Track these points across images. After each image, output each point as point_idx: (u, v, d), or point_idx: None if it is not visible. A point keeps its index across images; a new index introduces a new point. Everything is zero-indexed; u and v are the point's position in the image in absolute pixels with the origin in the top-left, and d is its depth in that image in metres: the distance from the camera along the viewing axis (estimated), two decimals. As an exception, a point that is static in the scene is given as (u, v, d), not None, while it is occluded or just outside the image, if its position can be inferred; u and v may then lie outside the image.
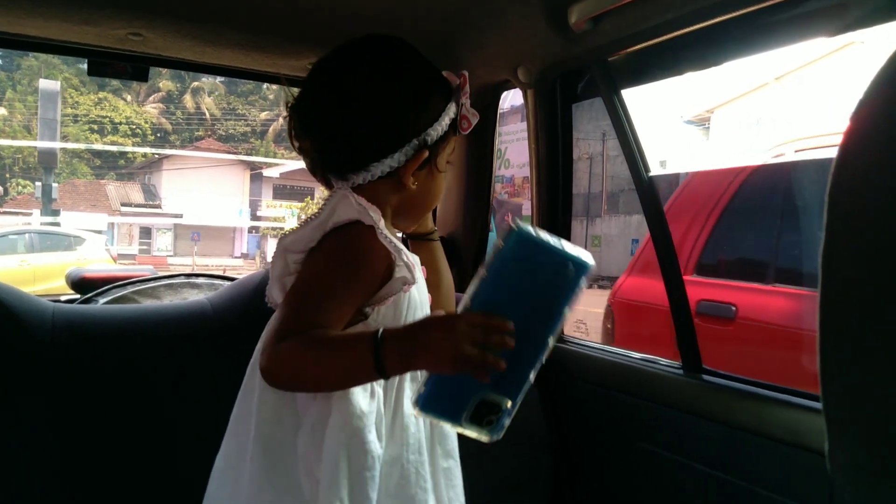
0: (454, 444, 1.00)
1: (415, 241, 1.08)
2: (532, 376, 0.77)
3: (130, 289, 1.87)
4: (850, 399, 0.46)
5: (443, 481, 0.97)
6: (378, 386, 0.90)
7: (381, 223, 0.88)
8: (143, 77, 1.65)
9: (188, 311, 1.48)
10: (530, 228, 0.72)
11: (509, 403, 0.77)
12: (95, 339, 1.33)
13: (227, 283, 1.75)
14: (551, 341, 0.76)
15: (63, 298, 1.93)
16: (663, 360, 1.48)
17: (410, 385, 0.93)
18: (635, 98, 1.64)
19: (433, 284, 1.03)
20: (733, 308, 2.93)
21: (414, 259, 0.93)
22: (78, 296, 1.96)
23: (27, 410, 1.21)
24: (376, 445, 0.86)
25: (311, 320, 0.82)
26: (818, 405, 0.48)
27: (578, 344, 1.72)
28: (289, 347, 0.80)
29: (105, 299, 1.81)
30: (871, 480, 0.46)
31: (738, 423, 1.24)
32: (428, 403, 0.75)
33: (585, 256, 0.74)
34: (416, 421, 0.93)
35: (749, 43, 1.29)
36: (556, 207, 1.72)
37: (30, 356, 1.24)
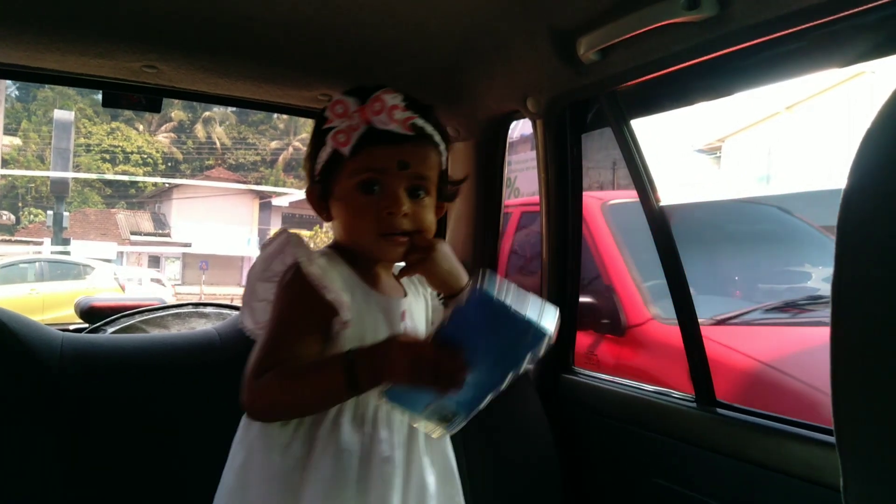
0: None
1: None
2: (487, 400, 0.83)
3: (138, 318, 1.87)
4: (865, 434, 0.45)
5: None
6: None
7: (316, 264, 0.94)
8: (156, 108, 1.67)
9: (196, 340, 1.47)
10: (494, 291, 0.76)
11: (461, 417, 0.84)
12: (104, 369, 1.32)
13: (235, 313, 1.75)
14: (511, 378, 0.81)
15: (72, 327, 1.93)
16: (676, 393, 1.46)
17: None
18: (646, 127, 1.64)
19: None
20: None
21: (347, 299, 0.95)
22: (86, 325, 1.97)
23: (35, 439, 1.20)
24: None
25: (282, 355, 0.91)
26: (831, 439, 0.47)
27: (589, 375, 1.70)
28: (265, 381, 0.89)
29: (113, 328, 1.81)
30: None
31: (753, 458, 1.21)
32: (393, 395, 0.84)
33: (548, 320, 0.77)
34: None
35: (759, 74, 1.29)
36: (566, 237, 1.71)
37: (38, 385, 1.24)
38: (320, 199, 1.04)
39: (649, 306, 2.64)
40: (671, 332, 2.30)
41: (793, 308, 2.66)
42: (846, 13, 0.98)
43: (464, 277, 1.06)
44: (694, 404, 1.38)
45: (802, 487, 1.11)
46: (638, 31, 1.20)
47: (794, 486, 1.12)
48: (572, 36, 1.34)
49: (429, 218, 1.03)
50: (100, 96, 1.65)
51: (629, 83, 1.40)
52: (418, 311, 1.10)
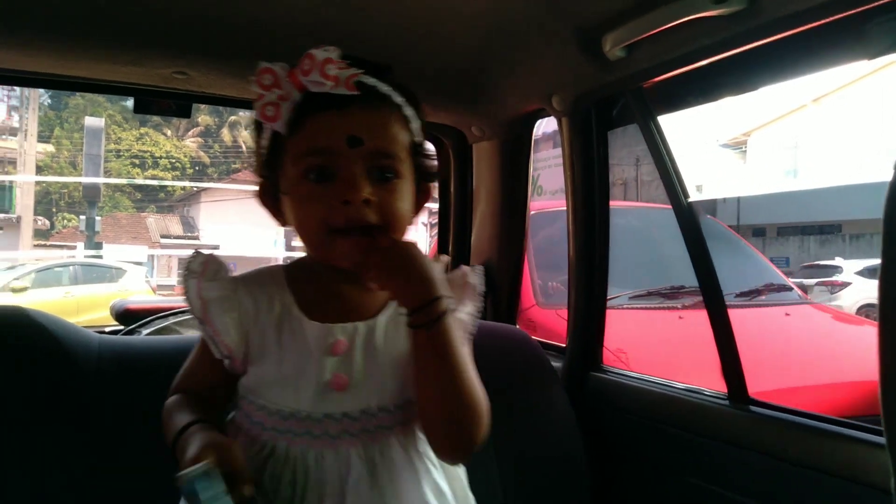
0: None
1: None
2: None
3: (172, 319, 1.91)
4: None
5: None
6: None
7: (206, 297, 0.85)
8: (186, 114, 1.70)
9: (228, 341, 1.50)
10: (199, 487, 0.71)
11: None
12: (140, 370, 1.35)
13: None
14: None
15: (107, 329, 1.98)
16: (708, 391, 1.44)
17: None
18: (670, 123, 1.63)
19: (418, 371, 0.84)
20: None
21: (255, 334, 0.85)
22: (122, 327, 2.01)
23: (73, 439, 1.23)
24: None
25: (183, 383, 0.93)
26: (876, 439, 0.46)
27: (617, 373, 1.69)
28: (166, 404, 0.92)
29: (148, 330, 1.85)
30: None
31: (790, 457, 1.19)
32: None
33: None
34: None
35: (787, 67, 1.27)
36: (594, 236, 1.70)
37: (76, 386, 1.27)
38: (273, 199, 0.88)
39: (536, 296, 3.16)
40: (546, 313, 2.97)
41: (656, 295, 3.17)
42: (876, 4, 0.96)
43: (428, 287, 0.80)
44: (727, 402, 1.36)
45: (844, 486, 1.08)
46: (664, 27, 1.19)
47: (835, 484, 1.10)
48: (597, 33, 1.33)
49: (400, 206, 0.83)
50: (130, 103, 1.69)
51: (655, 79, 1.39)
52: (386, 339, 0.87)
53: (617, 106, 1.63)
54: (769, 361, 2.52)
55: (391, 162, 0.83)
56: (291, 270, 0.91)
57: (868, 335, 3.36)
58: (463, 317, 0.95)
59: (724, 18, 1.12)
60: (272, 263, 1.03)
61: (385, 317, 0.89)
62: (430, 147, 0.93)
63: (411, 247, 0.83)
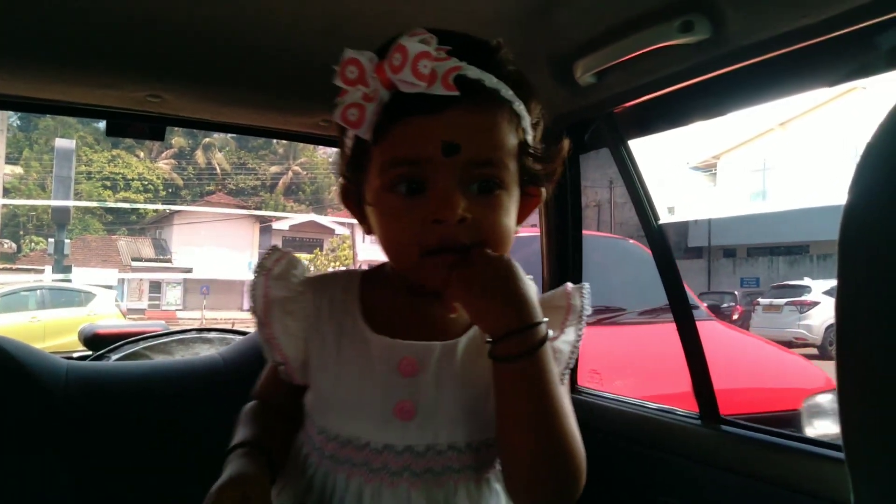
0: None
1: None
2: None
3: (143, 344, 1.88)
4: (874, 448, 0.46)
5: None
6: None
7: (266, 271, 0.78)
8: (159, 136, 1.69)
9: (201, 366, 1.48)
10: None
11: None
12: (109, 396, 1.33)
13: (239, 338, 1.76)
14: None
15: (76, 355, 1.94)
16: (680, 411, 1.46)
17: None
18: (642, 146, 1.66)
19: (501, 413, 0.70)
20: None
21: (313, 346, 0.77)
22: (90, 352, 1.97)
23: (42, 466, 1.20)
24: None
25: (262, 392, 0.87)
26: (840, 455, 0.47)
27: (593, 395, 1.70)
28: (244, 409, 0.85)
29: (117, 355, 1.82)
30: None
31: (759, 475, 1.21)
32: None
33: None
34: None
35: (754, 93, 1.31)
36: (567, 255, 1.72)
37: (44, 413, 1.25)
38: (358, 202, 0.77)
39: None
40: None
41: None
42: (837, 33, 1.00)
43: (522, 310, 0.68)
44: (698, 421, 1.38)
45: (810, 502, 1.10)
46: (633, 55, 1.22)
47: (801, 501, 1.12)
48: (569, 59, 1.37)
49: (502, 222, 0.71)
50: (102, 125, 1.67)
51: (625, 105, 1.42)
52: (464, 367, 0.75)
53: (589, 130, 1.66)
54: (664, 371, 2.63)
55: (493, 171, 0.70)
56: (370, 278, 0.81)
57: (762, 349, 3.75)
58: (561, 347, 0.79)
59: (690, 47, 1.16)
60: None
61: (467, 339, 0.76)
62: (543, 147, 0.77)
63: (504, 262, 0.70)
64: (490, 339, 0.68)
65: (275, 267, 0.79)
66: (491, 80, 0.69)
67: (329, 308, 0.77)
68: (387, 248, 0.74)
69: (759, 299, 13.24)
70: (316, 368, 0.77)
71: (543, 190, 0.79)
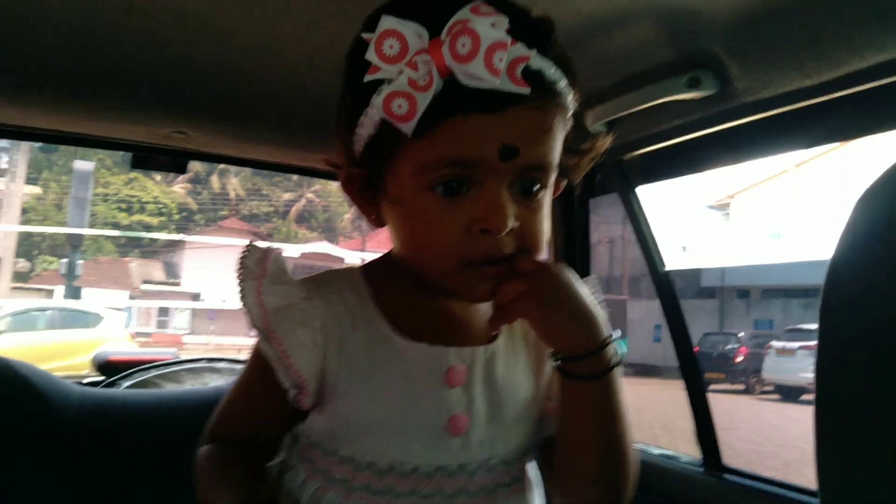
0: None
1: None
2: None
3: (154, 372, 1.91)
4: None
5: None
6: None
7: (254, 274, 0.65)
8: (182, 169, 1.74)
9: (211, 396, 1.50)
10: None
11: None
12: (121, 423, 1.35)
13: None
14: None
15: (86, 381, 1.97)
16: (683, 457, 1.46)
17: None
18: (658, 185, 1.69)
19: (568, 427, 0.68)
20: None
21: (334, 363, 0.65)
22: (102, 377, 2.00)
23: (54, 491, 1.22)
24: None
25: (229, 429, 0.73)
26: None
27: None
28: (200, 454, 0.71)
29: (128, 382, 1.84)
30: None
31: (763, 526, 1.21)
32: None
33: None
34: None
35: (762, 146, 1.33)
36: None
37: (57, 438, 1.27)
38: (364, 192, 0.68)
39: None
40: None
41: None
42: (840, 94, 1.03)
43: (596, 327, 0.64)
44: (701, 469, 1.38)
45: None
46: (642, 107, 1.26)
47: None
48: (580, 109, 1.40)
49: (545, 227, 0.66)
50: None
51: (634, 153, 1.46)
52: (507, 371, 0.70)
53: (598, 175, 1.70)
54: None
55: (542, 174, 0.64)
56: (374, 276, 0.72)
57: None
58: None
59: (697, 101, 1.19)
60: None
61: (504, 342, 0.71)
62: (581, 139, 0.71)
63: (568, 276, 0.65)
64: (560, 357, 0.64)
65: (264, 269, 0.67)
66: (550, 71, 0.61)
67: (349, 316, 0.67)
68: (417, 253, 0.65)
69: (773, 342, 13.06)
70: (344, 387, 0.65)
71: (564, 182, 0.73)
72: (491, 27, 0.56)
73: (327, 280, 0.71)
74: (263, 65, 1.24)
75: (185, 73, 1.32)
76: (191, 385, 1.88)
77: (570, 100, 0.66)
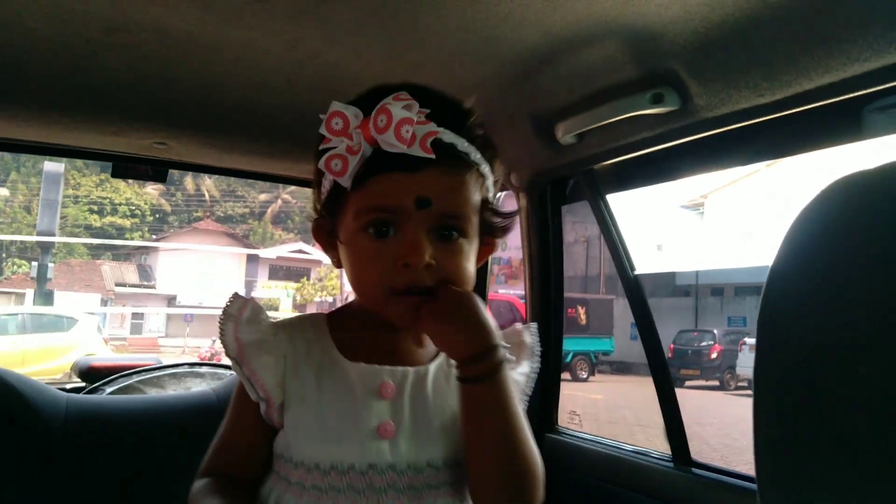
0: None
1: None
2: None
3: (136, 378, 1.92)
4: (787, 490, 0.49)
5: None
6: None
7: (248, 344, 0.80)
8: (162, 179, 1.77)
9: (196, 401, 1.54)
10: None
11: None
12: (108, 429, 1.38)
13: (230, 373, 1.81)
14: None
15: (69, 387, 1.98)
16: (654, 452, 1.53)
17: None
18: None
19: (468, 431, 0.79)
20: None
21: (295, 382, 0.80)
22: (84, 384, 2.01)
23: (41, 497, 1.24)
24: None
25: (220, 462, 0.85)
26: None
27: (572, 435, 1.76)
28: (195, 489, 0.82)
29: (112, 388, 1.86)
30: None
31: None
32: None
33: None
34: None
35: (723, 158, 1.41)
36: (549, 299, 1.81)
37: (44, 444, 1.29)
38: (329, 238, 0.85)
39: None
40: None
41: None
42: (796, 110, 1.10)
43: (484, 335, 0.77)
44: (671, 464, 1.45)
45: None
46: (610, 120, 1.33)
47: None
48: (550, 121, 1.47)
49: (463, 266, 0.79)
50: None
51: (604, 163, 1.52)
52: (436, 389, 0.83)
53: (570, 184, 1.76)
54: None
55: (458, 223, 0.78)
56: (335, 318, 0.88)
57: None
58: (517, 378, 0.89)
59: (661, 115, 1.26)
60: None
61: (435, 367, 0.84)
62: (501, 203, 0.88)
63: (467, 294, 0.79)
64: (457, 364, 0.77)
65: (241, 314, 0.82)
66: (463, 144, 0.78)
67: (306, 346, 0.82)
68: (357, 284, 0.81)
69: (746, 339, 13.30)
70: (296, 404, 0.80)
71: (497, 241, 0.89)
72: (403, 108, 0.73)
73: (295, 322, 0.87)
74: (243, 79, 1.28)
75: (167, 86, 1.35)
76: (174, 390, 1.91)
77: (486, 169, 0.82)
